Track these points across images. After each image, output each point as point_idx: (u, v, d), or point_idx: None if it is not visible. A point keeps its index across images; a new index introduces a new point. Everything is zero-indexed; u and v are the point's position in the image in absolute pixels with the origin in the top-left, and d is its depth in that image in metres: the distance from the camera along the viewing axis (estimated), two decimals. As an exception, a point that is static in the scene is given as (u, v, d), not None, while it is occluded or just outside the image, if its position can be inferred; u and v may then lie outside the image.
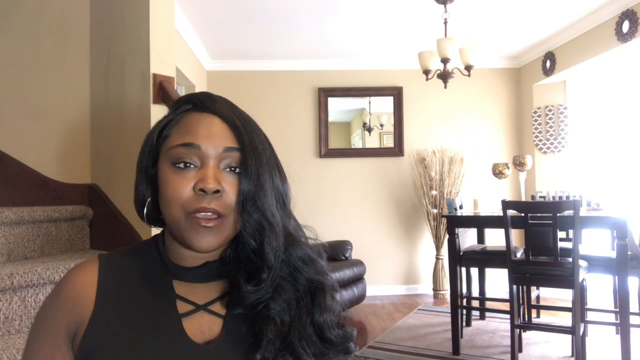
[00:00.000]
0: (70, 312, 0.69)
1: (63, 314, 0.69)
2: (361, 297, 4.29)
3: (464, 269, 3.57)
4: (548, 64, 4.71)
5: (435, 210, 4.97)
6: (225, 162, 0.69)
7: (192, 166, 0.68)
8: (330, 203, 5.11)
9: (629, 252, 2.80)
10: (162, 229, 0.79)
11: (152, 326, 0.68)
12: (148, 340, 0.67)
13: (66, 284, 0.71)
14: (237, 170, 0.69)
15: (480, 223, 3.64)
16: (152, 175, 0.73)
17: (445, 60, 3.45)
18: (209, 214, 0.66)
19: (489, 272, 4.21)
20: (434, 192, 4.96)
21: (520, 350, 3.14)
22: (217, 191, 0.67)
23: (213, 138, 0.69)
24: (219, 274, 0.73)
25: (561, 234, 3.19)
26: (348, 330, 0.75)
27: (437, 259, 4.99)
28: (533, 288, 3.51)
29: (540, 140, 4.99)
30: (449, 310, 3.38)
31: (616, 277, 2.98)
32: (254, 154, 0.70)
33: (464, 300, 3.65)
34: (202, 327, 0.70)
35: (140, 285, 0.72)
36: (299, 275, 0.73)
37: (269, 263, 0.69)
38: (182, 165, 0.68)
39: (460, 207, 3.78)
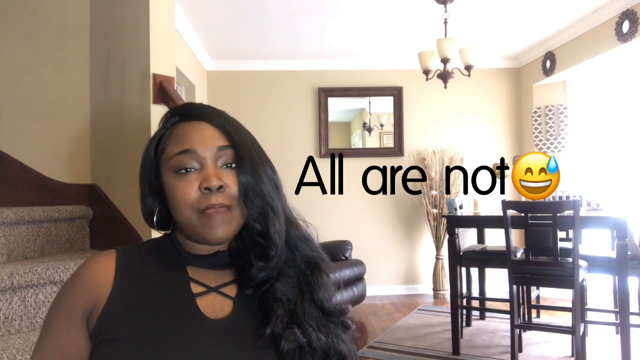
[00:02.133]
0: (87, 293, 0.74)
1: (80, 294, 0.74)
2: (361, 297, 4.29)
3: (464, 269, 3.57)
4: (548, 64, 4.71)
5: (435, 210, 4.97)
6: (222, 159, 0.76)
7: (192, 170, 0.75)
8: (330, 203, 5.11)
9: (629, 252, 2.80)
10: (169, 231, 0.85)
11: (167, 304, 0.74)
12: (165, 317, 0.72)
13: (85, 268, 0.77)
14: (234, 165, 0.76)
15: (480, 223, 3.64)
16: (156, 187, 0.80)
17: (445, 60, 3.45)
18: (217, 208, 0.73)
19: (489, 272, 4.21)
20: (434, 192, 4.96)
21: (520, 350, 3.14)
22: (221, 187, 0.74)
23: (206, 141, 0.76)
24: (228, 263, 0.80)
25: (561, 234, 3.19)
26: (343, 305, 0.83)
27: (437, 259, 4.99)
28: (533, 288, 3.51)
29: (540, 140, 4.99)
30: (449, 310, 3.38)
31: (616, 277, 2.97)
32: (245, 149, 0.78)
33: (464, 300, 3.65)
34: (215, 305, 0.76)
35: (156, 271, 0.78)
36: (297, 253, 0.81)
37: (275, 242, 0.76)
38: (183, 171, 0.75)
39: (460, 207, 3.78)
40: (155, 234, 0.87)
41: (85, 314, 0.74)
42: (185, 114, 0.80)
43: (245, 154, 0.77)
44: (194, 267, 0.79)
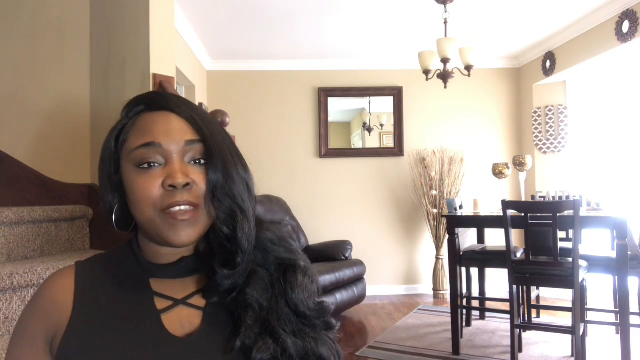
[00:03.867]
0: (47, 318, 0.69)
1: (40, 320, 0.70)
2: (361, 297, 4.29)
3: (464, 269, 3.57)
4: (548, 64, 4.71)
5: (435, 210, 4.97)
6: (189, 155, 0.70)
7: (156, 165, 0.68)
8: (330, 203, 5.11)
9: (629, 252, 2.80)
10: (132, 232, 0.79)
11: (131, 324, 0.68)
12: (128, 338, 0.67)
13: (43, 291, 0.72)
14: (202, 161, 0.70)
15: (480, 223, 3.64)
16: (116, 181, 0.73)
17: (445, 60, 3.45)
18: (182, 208, 0.67)
19: (489, 272, 4.21)
20: (434, 192, 4.97)
21: (520, 350, 3.14)
22: (187, 184, 0.67)
23: (173, 134, 0.69)
24: (195, 268, 0.74)
25: (561, 234, 3.20)
26: (324, 304, 0.76)
27: (437, 259, 4.99)
28: (533, 288, 3.51)
29: (540, 140, 4.99)
30: (449, 310, 3.38)
31: (616, 277, 2.98)
32: (216, 144, 0.71)
33: (464, 300, 3.65)
34: (182, 320, 0.70)
35: (117, 286, 0.72)
36: (268, 255, 0.74)
37: (242, 247, 0.70)
38: (146, 165, 0.68)
39: (460, 207, 3.78)
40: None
41: (48, 341, 0.69)
42: (151, 103, 0.73)
43: (216, 149, 0.70)
44: (158, 278, 0.73)
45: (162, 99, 0.73)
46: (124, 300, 0.71)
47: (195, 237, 0.69)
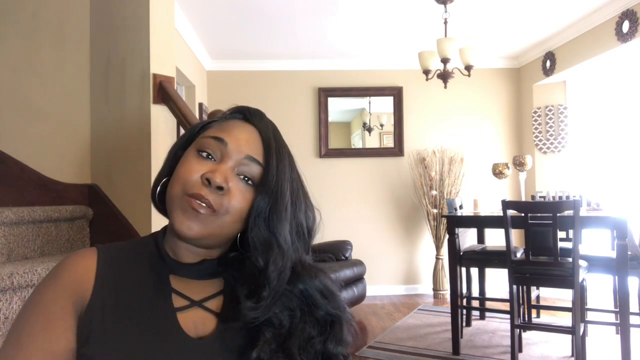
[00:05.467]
0: (74, 294, 0.68)
1: (67, 293, 0.68)
2: (361, 297, 4.29)
3: (464, 269, 3.57)
4: (548, 64, 4.71)
5: (435, 210, 4.97)
6: (242, 168, 0.71)
7: (212, 158, 0.71)
8: (330, 203, 5.10)
9: (629, 252, 2.80)
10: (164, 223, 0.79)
11: (146, 318, 0.68)
12: (142, 331, 0.67)
13: (66, 269, 0.70)
14: (249, 182, 0.71)
15: (480, 223, 3.64)
16: (178, 157, 0.75)
17: (445, 60, 3.45)
18: (203, 203, 0.67)
19: (489, 272, 4.21)
20: (434, 192, 4.97)
21: (520, 350, 3.14)
22: (221, 188, 0.68)
23: (241, 143, 0.72)
24: (214, 272, 0.74)
25: (561, 234, 3.19)
26: (349, 357, 0.76)
27: (437, 259, 4.99)
28: (533, 288, 3.51)
29: (540, 140, 5.00)
30: (449, 310, 3.38)
31: (616, 277, 2.97)
32: (276, 175, 0.72)
33: (464, 300, 3.65)
34: (196, 322, 0.70)
35: (137, 277, 0.72)
36: (317, 308, 0.73)
37: (271, 282, 0.69)
38: (204, 154, 0.71)
39: (460, 207, 3.78)
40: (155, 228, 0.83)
41: (77, 314, 0.67)
42: (248, 115, 0.77)
43: (272, 179, 0.71)
44: (178, 276, 0.73)
45: (256, 115, 0.78)
46: (142, 293, 0.71)
47: (197, 232, 0.68)
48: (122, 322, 0.67)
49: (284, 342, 0.68)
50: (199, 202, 0.67)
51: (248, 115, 0.77)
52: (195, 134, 0.76)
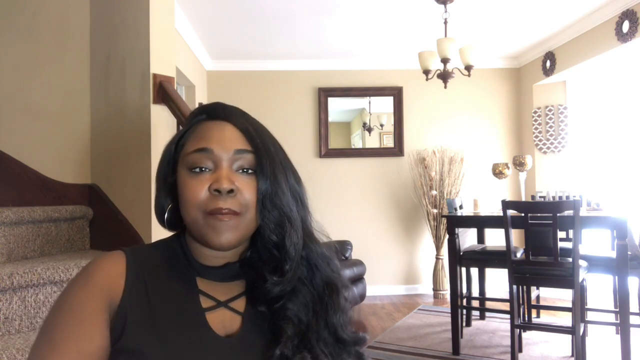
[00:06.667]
0: (105, 296, 0.69)
1: (99, 296, 0.69)
2: (361, 297, 4.28)
3: (464, 269, 3.57)
4: (548, 64, 4.71)
5: (435, 210, 4.97)
6: (238, 163, 0.73)
7: (207, 170, 0.72)
8: (330, 203, 5.10)
9: (629, 252, 2.80)
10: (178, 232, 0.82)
11: (177, 318, 0.71)
12: (173, 331, 0.69)
13: (98, 271, 0.72)
14: (250, 171, 0.73)
15: (480, 223, 3.63)
16: (171, 183, 0.77)
17: (445, 60, 3.45)
18: (225, 211, 0.70)
19: (489, 272, 4.21)
20: (434, 192, 4.97)
21: (520, 350, 3.14)
22: (231, 190, 0.71)
23: (224, 142, 0.73)
24: (238, 274, 0.77)
25: (561, 234, 3.19)
26: (361, 334, 0.79)
27: (437, 259, 4.99)
28: (533, 288, 3.51)
29: (540, 140, 5.00)
30: (449, 310, 3.38)
31: (616, 277, 2.97)
32: (267, 155, 0.74)
33: (464, 300, 3.65)
34: (224, 321, 0.73)
35: (166, 279, 0.75)
36: (317, 272, 0.78)
37: (290, 256, 0.73)
38: (197, 169, 0.72)
39: (460, 207, 3.78)
40: (157, 236, 0.85)
41: (109, 316, 0.69)
42: (212, 112, 0.78)
43: (267, 160, 0.74)
44: (203, 278, 0.76)
45: (221, 109, 0.78)
46: (172, 294, 0.73)
47: (236, 241, 0.72)
48: (154, 322, 0.69)
49: (304, 336, 0.72)
50: (222, 214, 0.70)
51: (212, 112, 0.78)
52: (173, 154, 0.77)
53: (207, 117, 0.77)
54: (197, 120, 0.78)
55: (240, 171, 0.73)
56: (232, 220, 0.71)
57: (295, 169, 0.81)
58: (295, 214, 0.75)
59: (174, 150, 0.77)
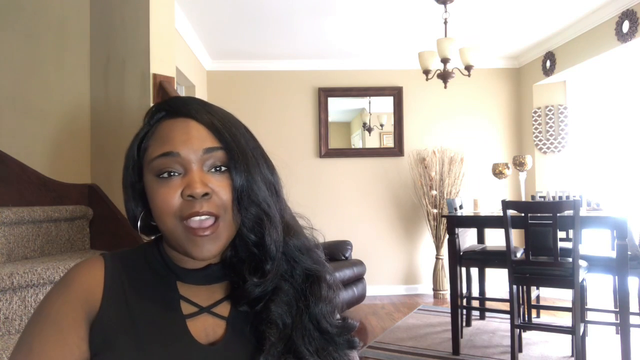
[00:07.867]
0: (84, 304, 0.68)
1: (78, 303, 0.67)
2: (361, 297, 4.29)
3: (464, 269, 3.57)
4: (548, 64, 4.71)
5: (435, 210, 4.97)
6: (209, 163, 0.68)
7: (175, 174, 0.67)
8: (330, 203, 5.11)
9: (629, 252, 2.80)
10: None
11: (157, 326, 0.68)
12: (153, 340, 0.66)
13: (76, 279, 0.69)
14: (222, 168, 0.68)
15: (480, 223, 3.63)
16: (140, 189, 0.72)
17: (445, 60, 3.45)
18: (203, 217, 0.66)
19: (489, 272, 4.21)
20: (434, 192, 4.97)
21: (520, 350, 3.14)
22: (206, 194, 0.66)
23: (191, 142, 0.68)
24: (221, 275, 0.73)
25: (561, 234, 3.19)
26: (348, 321, 0.75)
27: (437, 259, 4.99)
28: (533, 288, 3.51)
29: (540, 140, 5.00)
30: (449, 310, 3.38)
31: (616, 277, 2.98)
32: (238, 149, 0.69)
33: (464, 300, 3.65)
34: (207, 329, 0.70)
35: (145, 285, 0.72)
36: (296, 265, 0.73)
37: (271, 254, 0.69)
38: (165, 175, 0.67)
39: (460, 207, 3.78)
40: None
41: (88, 326, 0.67)
42: (170, 109, 0.71)
43: (238, 155, 0.68)
44: (184, 283, 0.72)
45: (181, 104, 0.71)
46: (151, 301, 0.70)
47: (218, 250, 0.68)
48: (133, 331, 0.66)
49: (289, 339, 0.68)
50: (199, 219, 0.66)
51: (171, 109, 0.72)
52: (136, 159, 0.72)
53: (167, 115, 0.71)
54: (156, 119, 0.72)
55: (213, 170, 0.68)
56: (212, 231, 0.66)
57: (266, 154, 0.74)
58: (273, 210, 0.70)
59: (137, 155, 0.72)
